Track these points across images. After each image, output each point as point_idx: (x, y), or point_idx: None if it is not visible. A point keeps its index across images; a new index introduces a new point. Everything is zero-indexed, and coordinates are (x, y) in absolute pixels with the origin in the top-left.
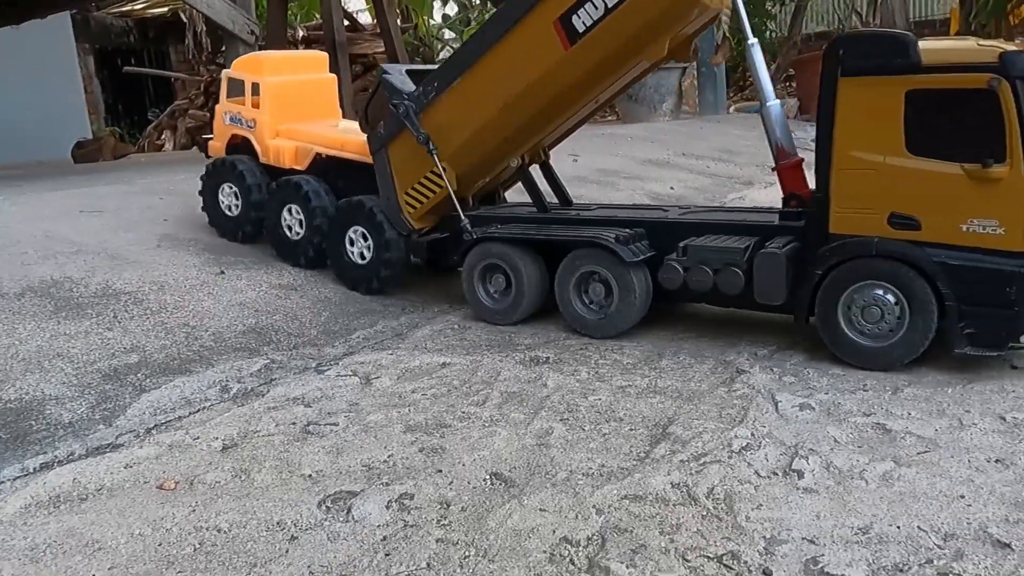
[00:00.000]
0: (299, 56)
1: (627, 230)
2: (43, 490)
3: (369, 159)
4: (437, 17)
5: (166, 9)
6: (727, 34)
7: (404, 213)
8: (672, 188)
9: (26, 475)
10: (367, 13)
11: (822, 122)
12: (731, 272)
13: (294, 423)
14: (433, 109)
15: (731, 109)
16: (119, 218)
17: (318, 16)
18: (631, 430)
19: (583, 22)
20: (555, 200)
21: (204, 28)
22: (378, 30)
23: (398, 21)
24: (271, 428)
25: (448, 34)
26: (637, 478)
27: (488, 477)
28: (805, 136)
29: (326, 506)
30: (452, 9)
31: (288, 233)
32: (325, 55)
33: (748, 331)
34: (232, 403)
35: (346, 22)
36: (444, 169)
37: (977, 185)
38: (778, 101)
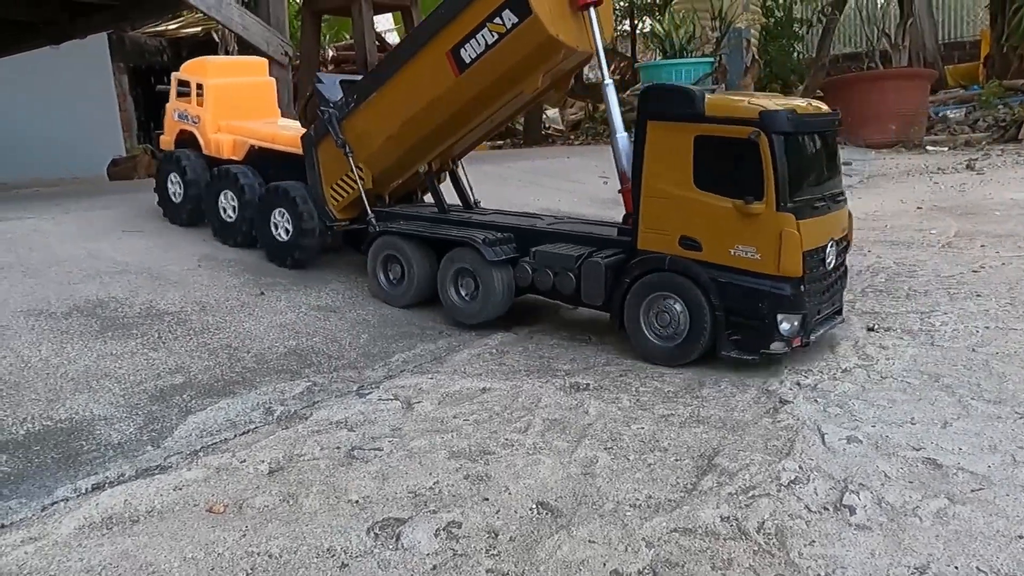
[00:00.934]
0: (241, 61)
1: (497, 234)
2: (96, 511)
3: (296, 150)
4: None
5: (199, 29)
6: (756, 57)
7: (328, 205)
8: None
9: (79, 495)
10: (395, 33)
11: (635, 154)
12: (566, 275)
13: (338, 447)
14: (353, 118)
15: None
16: (159, 238)
17: (348, 36)
18: (676, 460)
19: (469, 55)
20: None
21: (236, 48)
22: None
23: None
24: (316, 452)
25: None
26: (686, 510)
27: (535, 506)
28: None
29: (375, 533)
30: None
31: (223, 215)
32: (265, 61)
33: (790, 359)
34: (276, 425)
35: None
36: (359, 170)
37: (742, 218)
38: (625, 134)
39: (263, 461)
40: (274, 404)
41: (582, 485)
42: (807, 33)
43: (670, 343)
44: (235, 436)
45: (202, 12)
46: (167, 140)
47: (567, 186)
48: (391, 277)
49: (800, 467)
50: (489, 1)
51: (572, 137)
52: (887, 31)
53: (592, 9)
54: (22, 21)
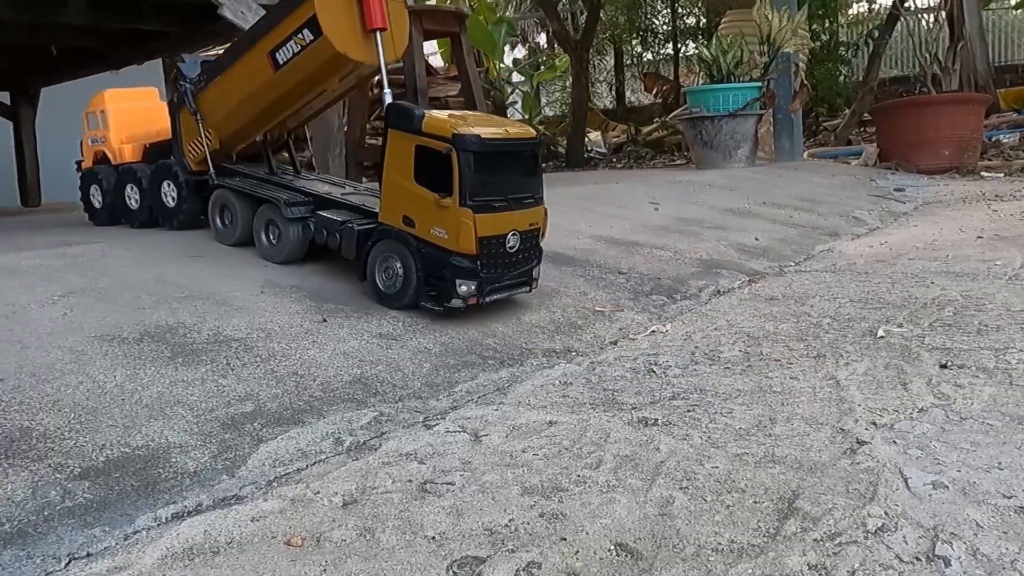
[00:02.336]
0: (134, 90)
1: (299, 196)
2: (177, 542)
3: (164, 135)
4: (507, 61)
5: None
6: (804, 81)
7: (186, 159)
8: (757, 239)
9: (159, 525)
10: (438, 56)
11: (381, 152)
12: (333, 235)
13: (410, 480)
14: (204, 93)
15: (805, 155)
16: (221, 263)
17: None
18: (755, 503)
19: (282, 57)
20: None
21: None
22: (451, 74)
23: (476, 68)
24: (388, 485)
25: (517, 77)
26: (771, 557)
27: (613, 548)
28: (886, 184)
29: (454, 571)
30: (521, 53)
31: (129, 203)
32: (154, 90)
33: (862, 396)
34: (347, 456)
35: None
36: (208, 134)
37: (439, 207)
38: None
39: (337, 493)
40: (343, 434)
41: (660, 526)
42: (854, 56)
43: (390, 291)
44: (307, 466)
45: None
46: (87, 164)
47: (618, 212)
48: (224, 222)
49: (886, 513)
50: (294, 20)
51: (614, 160)
52: (937, 54)
53: (378, 32)
54: (87, 48)
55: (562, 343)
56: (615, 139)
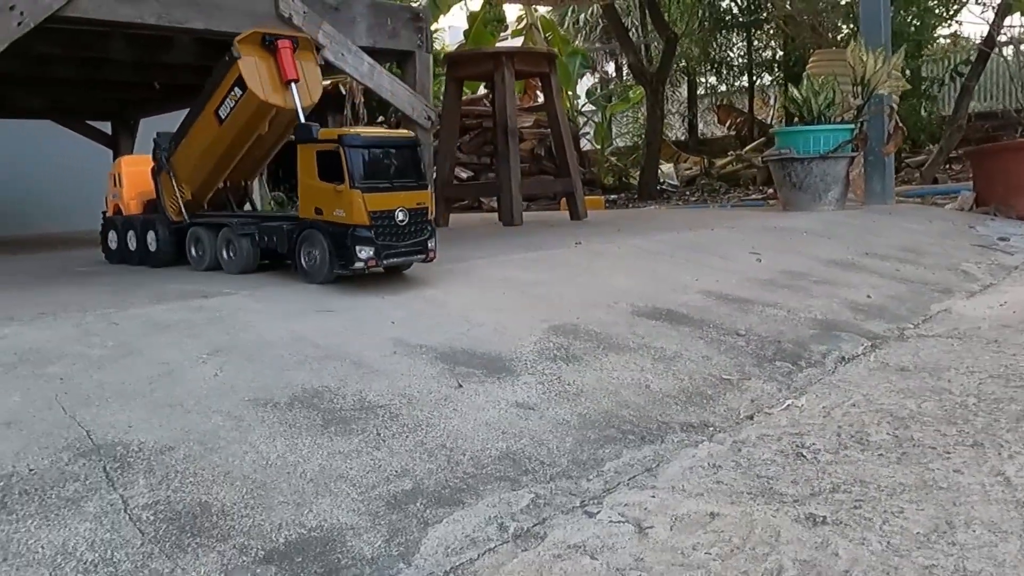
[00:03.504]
0: (146, 157)
1: (247, 219)
2: None
3: None
4: (580, 91)
5: (328, 83)
6: (899, 124)
7: (169, 211)
8: (869, 296)
9: None
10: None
11: (297, 164)
12: (271, 239)
13: None
14: (175, 155)
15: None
16: (351, 320)
17: (468, 92)
18: None
19: (223, 112)
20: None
21: (362, 100)
22: (525, 106)
23: (565, 105)
24: None
25: (589, 107)
26: None
27: None
28: (988, 232)
29: None
30: (590, 82)
31: (129, 246)
32: None
33: None
34: (515, 545)
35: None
36: (180, 188)
37: (337, 194)
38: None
39: None
40: (505, 519)
41: None
42: (939, 92)
43: (314, 269)
44: (479, 556)
45: (356, 79)
46: (109, 213)
47: (719, 263)
48: (198, 252)
49: None
50: (227, 82)
51: (687, 193)
52: None
53: (292, 83)
54: (186, 84)
55: (697, 416)
56: (687, 171)
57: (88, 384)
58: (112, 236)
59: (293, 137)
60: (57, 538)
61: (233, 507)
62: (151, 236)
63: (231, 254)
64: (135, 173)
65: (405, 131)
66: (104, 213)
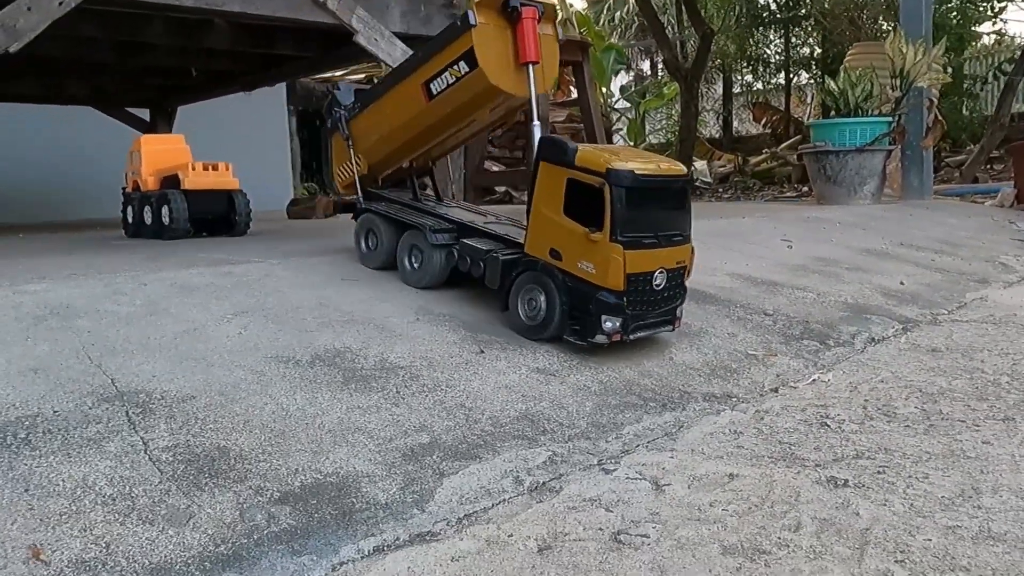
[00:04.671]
0: (164, 136)
1: (444, 223)
2: None
3: (177, 171)
4: (614, 88)
5: (363, 76)
6: (939, 116)
7: (335, 181)
8: (902, 283)
9: (363, 557)
10: None
11: (530, 184)
12: (477, 263)
13: (601, 529)
14: (357, 119)
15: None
16: (375, 288)
17: None
18: None
19: (436, 88)
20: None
21: None
22: (558, 100)
23: (598, 98)
24: (580, 532)
25: (622, 104)
26: None
27: None
28: None
29: None
30: (625, 79)
31: (145, 220)
32: (181, 136)
33: None
34: (530, 497)
35: None
36: (358, 159)
37: (587, 242)
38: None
39: (530, 537)
40: (521, 473)
41: None
42: (981, 91)
43: (533, 323)
44: (493, 505)
45: (388, 65)
46: (128, 189)
47: (751, 249)
48: (369, 245)
49: None
50: (451, 52)
51: (720, 190)
52: None
53: (531, 66)
54: (224, 70)
55: (720, 387)
56: (721, 169)
57: (115, 337)
58: (129, 211)
59: (535, 146)
60: (78, 473)
61: (251, 452)
62: (165, 211)
63: (415, 263)
64: (153, 151)
65: (675, 163)
66: (124, 189)
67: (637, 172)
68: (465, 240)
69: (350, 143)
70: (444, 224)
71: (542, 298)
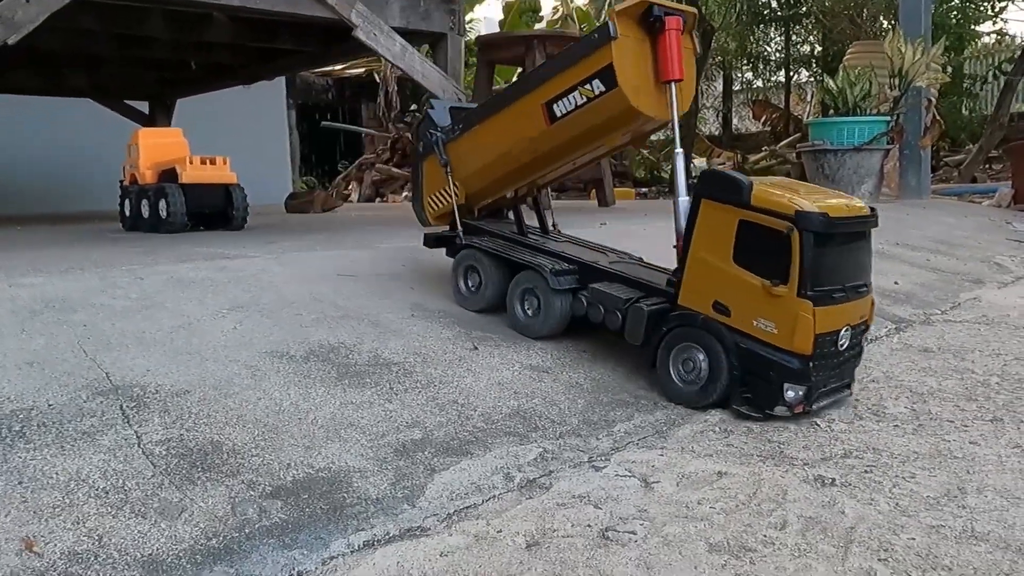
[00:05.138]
0: (162, 130)
1: (564, 265)
2: (374, 571)
3: (175, 165)
4: None
5: (363, 71)
6: (937, 116)
7: (425, 211)
8: (896, 283)
9: (352, 552)
10: None
11: (687, 225)
12: (614, 313)
13: (589, 525)
14: (456, 143)
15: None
16: (371, 284)
17: (501, 81)
18: None
19: (560, 110)
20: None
21: (395, 88)
22: None
23: None
24: (568, 528)
25: None
26: None
27: None
28: None
29: None
30: None
31: (142, 213)
32: (179, 130)
33: None
34: (519, 494)
35: None
36: (455, 187)
37: (767, 296)
38: (687, 198)
39: (519, 533)
40: (512, 470)
41: None
42: (981, 90)
43: (690, 387)
44: (483, 502)
45: (387, 59)
46: (126, 183)
47: None
48: (469, 284)
49: None
50: (583, 69)
51: None
52: None
53: (674, 84)
54: (223, 64)
55: None
56: (720, 166)
57: (110, 331)
58: (127, 204)
59: (696, 188)
60: (71, 466)
61: (244, 447)
62: (162, 205)
63: (529, 309)
64: (151, 145)
65: (856, 200)
66: (121, 182)
67: (832, 215)
68: (596, 286)
69: (448, 169)
70: (564, 265)
71: (702, 358)
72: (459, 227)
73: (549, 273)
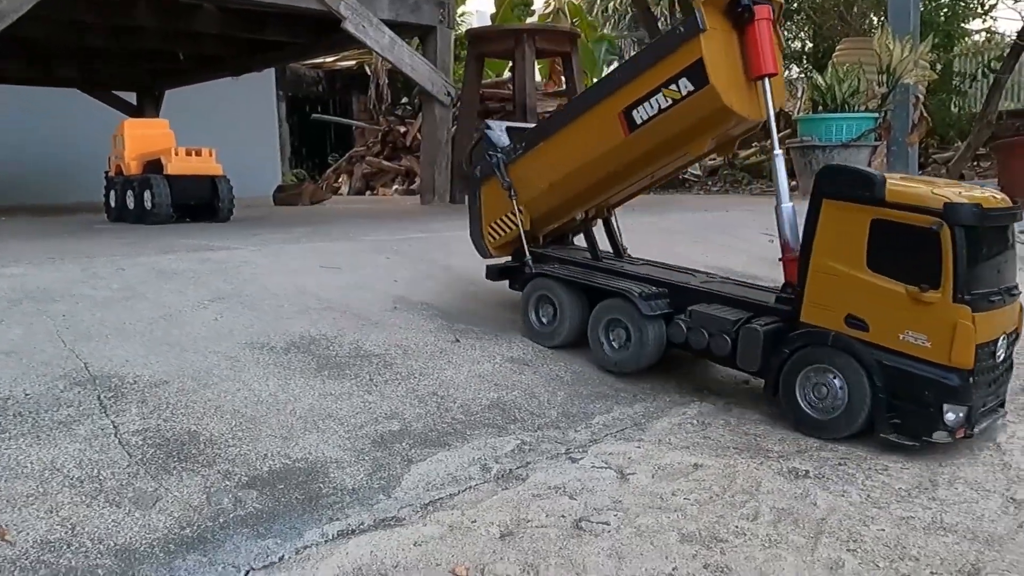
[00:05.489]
0: (147, 121)
1: (653, 288)
2: (347, 560)
3: (160, 156)
4: None
5: (354, 63)
6: (924, 113)
7: (485, 241)
8: None
9: (327, 541)
10: (535, 72)
11: (807, 229)
12: (721, 337)
13: (563, 516)
14: (518, 163)
15: None
16: (355, 276)
17: (492, 75)
18: (933, 574)
19: (641, 116)
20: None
21: (386, 81)
22: (549, 90)
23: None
24: (542, 519)
25: None
26: None
27: None
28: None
29: None
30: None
31: (127, 204)
32: (165, 121)
33: None
34: (496, 485)
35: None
36: (520, 212)
37: (914, 304)
38: (790, 204)
39: (493, 523)
40: (489, 461)
41: None
42: (970, 87)
43: (825, 416)
44: (459, 492)
45: (375, 51)
46: (111, 173)
47: (733, 243)
48: (542, 317)
49: None
50: (667, 68)
51: (709, 184)
52: None
53: (767, 79)
54: (211, 55)
55: (692, 380)
56: (710, 161)
57: (90, 321)
58: (112, 194)
59: (814, 187)
60: (47, 455)
61: (221, 437)
62: (147, 196)
63: (615, 340)
64: (137, 136)
65: (995, 191)
66: (107, 173)
67: (984, 207)
68: (696, 308)
69: (512, 193)
70: (653, 288)
71: (837, 383)
72: (527, 254)
73: (638, 298)
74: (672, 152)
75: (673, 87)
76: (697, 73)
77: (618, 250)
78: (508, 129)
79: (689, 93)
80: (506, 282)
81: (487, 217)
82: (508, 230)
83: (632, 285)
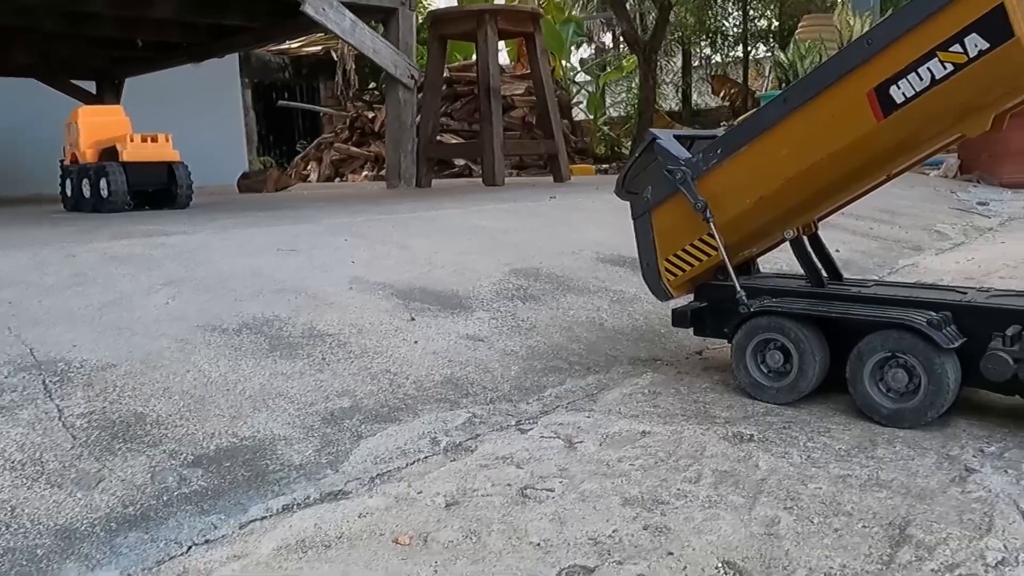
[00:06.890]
0: (103, 107)
1: (934, 313)
2: (290, 533)
3: (115, 143)
4: (574, 61)
5: (320, 48)
6: None
7: (664, 279)
8: (838, 251)
9: (271, 516)
10: (503, 54)
11: None
12: None
13: (509, 484)
14: (711, 176)
15: None
16: (312, 258)
17: (460, 58)
18: (865, 527)
19: (903, 93)
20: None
21: (353, 67)
22: (517, 72)
23: (559, 71)
24: (488, 488)
25: (583, 77)
26: None
27: (721, 565)
28: (968, 197)
29: None
30: (587, 53)
31: (83, 193)
32: (120, 108)
33: (966, 419)
34: (444, 457)
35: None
36: (717, 237)
37: None
38: None
39: (439, 493)
40: (439, 434)
41: (768, 546)
42: None
43: None
44: (407, 465)
45: (336, 34)
46: (66, 162)
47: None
48: (772, 366)
49: (1005, 547)
50: (944, 25)
51: None
52: None
53: None
54: (172, 41)
55: (647, 351)
56: None
57: (37, 308)
58: (68, 184)
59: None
60: None
61: (168, 418)
62: (103, 183)
63: (892, 386)
64: (91, 123)
65: None
66: (62, 162)
67: None
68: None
69: (708, 214)
70: (935, 315)
71: None
72: (739, 289)
73: (929, 327)
74: (939, 136)
75: (956, 48)
76: (995, 25)
77: (836, 271)
78: (676, 137)
79: (980, 53)
80: (467, 272)
81: (663, 250)
82: (697, 261)
83: (910, 313)
